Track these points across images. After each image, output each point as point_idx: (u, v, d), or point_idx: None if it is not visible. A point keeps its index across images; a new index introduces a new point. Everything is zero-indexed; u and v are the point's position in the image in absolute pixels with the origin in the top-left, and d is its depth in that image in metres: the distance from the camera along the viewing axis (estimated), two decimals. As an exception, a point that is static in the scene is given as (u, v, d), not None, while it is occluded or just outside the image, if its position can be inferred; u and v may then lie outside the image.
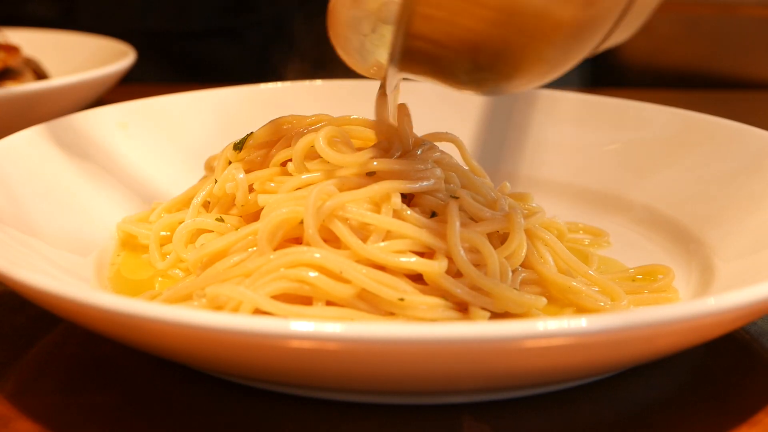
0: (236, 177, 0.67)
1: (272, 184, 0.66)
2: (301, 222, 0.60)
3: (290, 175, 0.66)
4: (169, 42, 1.29)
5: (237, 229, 0.65)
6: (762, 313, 0.54)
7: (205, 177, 0.76)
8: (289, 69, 1.59)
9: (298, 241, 0.62)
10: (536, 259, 0.66)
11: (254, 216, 0.66)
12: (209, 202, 0.71)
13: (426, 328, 0.44)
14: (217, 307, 0.58)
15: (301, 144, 0.65)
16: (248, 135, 0.71)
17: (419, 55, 0.55)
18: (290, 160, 0.66)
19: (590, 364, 0.50)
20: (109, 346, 0.60)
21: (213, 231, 0.68)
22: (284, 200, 0.62)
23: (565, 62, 0.54)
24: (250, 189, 0.67)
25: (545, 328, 0.44)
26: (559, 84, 0.90)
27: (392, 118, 0.67)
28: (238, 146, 0.70)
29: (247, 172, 0.68)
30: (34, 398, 0.55)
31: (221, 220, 0.68)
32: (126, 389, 0.56)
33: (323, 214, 0.60)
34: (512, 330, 0.44)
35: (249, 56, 1.66)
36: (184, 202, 0.74)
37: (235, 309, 0.57)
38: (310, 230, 0.59)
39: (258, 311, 0.57)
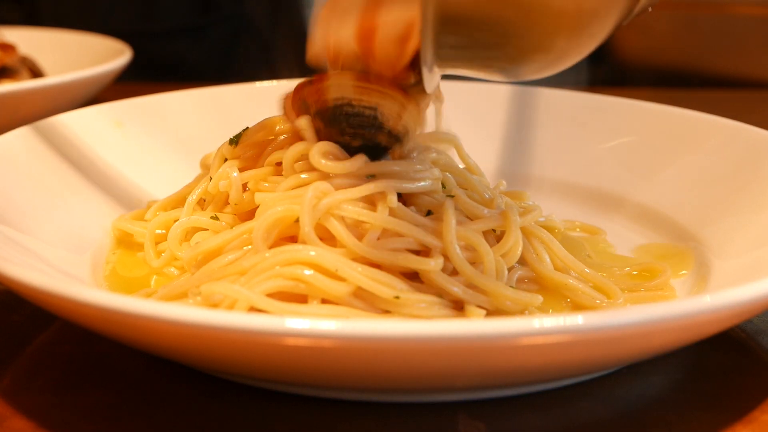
0: (230, 175, 0.67)
1: (266, 184, 0.66)
2: (297, 220, 0.60)
3: (282, 174, 0.65)
4: (135, 42, 1.30)
5: (232, 228, 0.65)
6: (758, 311, 0.54)
7: (200, 175, 0.76)
8: (257, 66, 1.58)
9: (293, 239, 0.62)
10: (532, 257, 0.66)
11: (249, 214, 0.66)
12: (204, 200, 0.71)
13: (422, 325, 0.44)
14: (213, 305, 0.58)
15: (292, 152, 0.64)
16: (244, 130, 0.71)
17: (449, 45, 0.55)
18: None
19: (586, 361, 0.50)
20: (104, 345, 0.59)
21: (208, 229, 0.68)
22: (280, 198, 0.62)
23: (572, 52, 0.55)
24: (244, 188, 0.67)
25: (541, 326, 0.44)
26: (557, 82, 0.90)
27: (444, 126, 0.67)
28: (234, 141, 0.70)
29: (241, 170, 0.67)
30: (29, 396, 0.55)
31: (216, 218, 0.68)
32: (121, 387, 0.56)
33: (319, 212, 0.60)
34: (508, 327, 0.43)
35: (215, 54, 1.66)
36: (180, 200, 0.74)
37: (231, 307, 0.57)
38: (306, 228, 0.59)
39: (253, 309, 0.57)
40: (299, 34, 1.67)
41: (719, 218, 0.73)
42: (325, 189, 0.61)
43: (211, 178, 0.69)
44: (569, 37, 0.54)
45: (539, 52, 0.56)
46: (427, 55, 0.56)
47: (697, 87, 1.50)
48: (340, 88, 0.63)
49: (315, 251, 0.58)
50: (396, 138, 0.64)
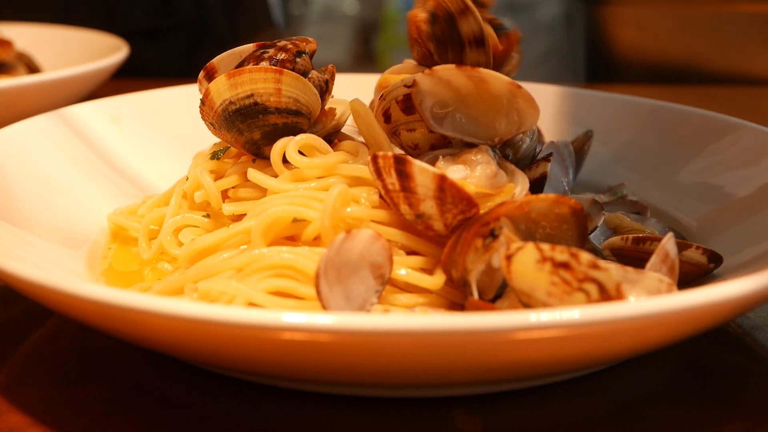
0: (204, 184, 0.67)
1: (242, 190, 0.66)
2: (294, 220, 0.60)
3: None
4: None
5: (228, 226, 0.65)
6: (754, 306, 0.54)
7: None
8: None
9: (291, 238, 0.62)
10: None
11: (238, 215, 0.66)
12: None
13: (419, 319, 0.44)
14: (210, 300, 0.58)
15: (278, 147, 0.65)
16: (227, 148, 0.71)
17: None
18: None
19: (582, 355, 0.50)
20: (100, 340, 0.59)
21: (199, 227, 0.68)
22: (276, 199, 0.62)
23: None
24: (224, 195, 0.67)
25: (537, 320, 0.44)
26: (555, 80, 0.90)
27: None
28: (217, 156, 0.70)
29: (216, 174, 0.68)
30: (25, 391, 0.55)
31: (207, 216, 0.68)
32: (117, 382, 0.56)
33: (339, 218, 0.60)
34: (505, 321, 0.43)
35: (176, 57, 1.67)
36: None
37: (228, 303, 0.57)
38: (326, 228, 0.59)
39: (251, 306, 0.57)
40: (261, 39, 1.68)
41: (716, 214, 0.73)
42: (349, 195, 0.61)
43: (187, 178, 0.70)
44: None
45: None
46: None
47: (694, 84, 1.50)
48: (218, 93, 0.64)
49: (294, 254, 0.58)
50: (292, 112, 0.64)
